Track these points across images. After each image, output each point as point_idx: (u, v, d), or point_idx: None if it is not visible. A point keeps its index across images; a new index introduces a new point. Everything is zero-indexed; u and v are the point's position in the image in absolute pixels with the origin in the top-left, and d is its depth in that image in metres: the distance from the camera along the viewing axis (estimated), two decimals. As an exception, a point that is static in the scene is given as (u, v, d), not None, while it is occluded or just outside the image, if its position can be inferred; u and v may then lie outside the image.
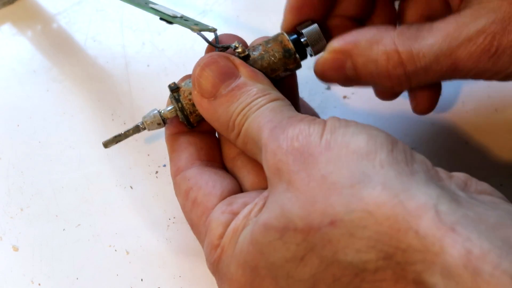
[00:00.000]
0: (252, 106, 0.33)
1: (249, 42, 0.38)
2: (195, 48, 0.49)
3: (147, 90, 0.47)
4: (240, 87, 0.34)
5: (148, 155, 0.45)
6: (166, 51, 0.49)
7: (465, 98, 0.46)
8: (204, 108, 0.34)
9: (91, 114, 0.47)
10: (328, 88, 0.47)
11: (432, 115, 0.46)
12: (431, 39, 0.34)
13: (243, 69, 0.34)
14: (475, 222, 0.26)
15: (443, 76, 0.35)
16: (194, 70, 0.35)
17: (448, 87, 0.47)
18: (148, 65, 0.49)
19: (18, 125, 0.46)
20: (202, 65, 0.35)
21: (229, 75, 0.34)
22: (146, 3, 0.38)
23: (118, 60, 0.49)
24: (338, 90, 0.47)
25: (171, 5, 0.50)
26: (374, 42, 0.35)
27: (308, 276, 0.28)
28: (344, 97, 0.47)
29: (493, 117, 0.46)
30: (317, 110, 0.46)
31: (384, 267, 0.27)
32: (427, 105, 0.40)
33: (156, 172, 0.44)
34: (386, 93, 0.41)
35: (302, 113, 0.39)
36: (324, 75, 0.37)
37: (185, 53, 0.49)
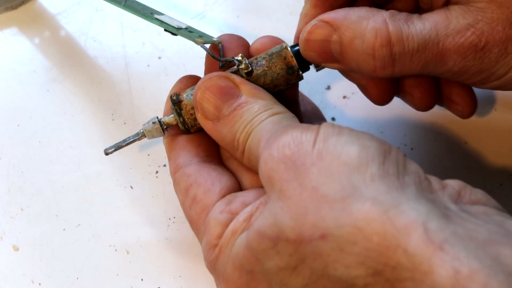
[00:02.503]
0: (253, 122, 0.33)
1: (249, 42, 0.38)
2: (195, 48, 0.49)
3: (147, 90, 0.47)
4: (242, 106, 0.34)
5: (148, 155, 0.45)
6: (166, 51, 0.49)
7: (465, 98, 0.46)
8: (209, 129, 0.35)
9: (91, 114, 0.47)
10: (328, 88, 0.47)
11: (432, 115, 0.46)
12: (421, 25, 0.34)
13: (244, 87, 0.34)
14: (464, 240, 0.26)
15: (427, 66, 0.35)
16: (195, 93, 0.35)
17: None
18: (148, 65, 0.49)
19: (18, 125, 0.46)
20: (202, 88, 0.35)
21: (230, 95, 0.34)
22: (151, 13, 0.38)
23: (118, 60, 0.49)
24: (338, 90, 0.47)
25: (171, 7, 0.50)
26: (365, 18, 0.35)
27: (301, 285, 0.28)
28: (344, 97, 0.47)
29: (492, 117, 0.46)
30: (317, 110, 0.46)
31: (373, 284, 0.27)
32: (426, 101, 0.39)
33: (156, 172, 0.44)
34: (378, 93, 0.39)
35: (302, 108, 0.39)
36: (308, 45, 0.36)
37: (185, 53, 0.49)
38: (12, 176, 0.44)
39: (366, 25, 0.34)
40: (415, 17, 0.35)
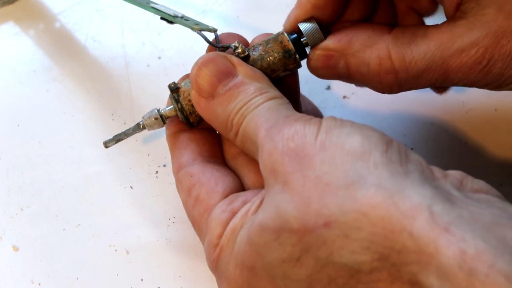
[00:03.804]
0: (249, 105, 0.33)
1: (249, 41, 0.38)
2: (195, 48, 0.49)
3: (147, 90, 0.48)
4: (237, 86, 0.34)
5: (148, 155, 0.45)
6: (166, 51, 0.49)
7: (465, 98, 0.46)
8: (202, 107, 0.34)
9: (91, 114, 0.47)
10: (328, 88, 0.47)
11: (432, 115, 0.46)
12: (425, 47, 0.35)
13: (241, 68, 0.34)
14: (470, 222, 0.26)
15: (433, 83, 0.36)
16: (192, 69, 0.35)
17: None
18: (148, 65, 0.49)
19: (18, 125, 0.46)
20: (199, 65, 0.35)
21: (226, 74, 0.34)
22: (147, 3, 0.38)
23: (118, 60, 0.49)
24: (338, 90, 0.47)
25: (171, 5, 0.50)
26: (368, 45, 0.36)
27: (304, 276, 0.28)
28: (344, 97, 0.47)
29: (492, 117, 0.46)
30: (317, 110, 0.46)
31: (379, 268, 0.27)
32: None
33: (156, 172, 0.44)
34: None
35: (302, 109, 0.40)
36: (317, 71, 0.37)
37: (185, 53, 0.49)
38: (12, 176, 0.44)
39: (370, 54, 0.35)
40: (420, 35, 0.35)
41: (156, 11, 0.37)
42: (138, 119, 0.46)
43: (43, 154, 0.45)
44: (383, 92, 0.37)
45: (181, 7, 0.51)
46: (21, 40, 0.50)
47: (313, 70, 0.37)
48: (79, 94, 0.47)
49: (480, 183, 0.30)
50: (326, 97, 0.47)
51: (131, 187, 0.44)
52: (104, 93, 0.47)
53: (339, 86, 0.47)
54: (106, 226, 0.42)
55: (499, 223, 0.26)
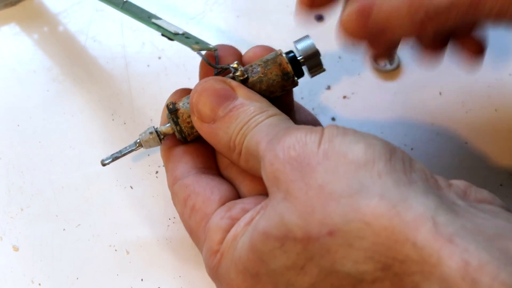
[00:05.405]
0: (250, 124, 0.33)
1: (249, 43, 0.38)
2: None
3: (147, 90, 0.48)
4: (237, 108, 0.34)
5: (148, 155, 0.45)
6: (166, 51, 0.49)
7: (465, 98, 0.46)
8: (205, 132, 0.35)
9: (91, 114, 0.47)
10: (328, 88, 0.47)
11: (432, 115, 0.46)
12: None
13: (240, 90, 0.35)
14: (473, 233, 0.26)
15: (461, 7, 0.32)
16: (191, 96, 0.35)
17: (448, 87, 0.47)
18: (148, 65, 0.49)
19: (18, 125, 0.46)
20: (198, 91, 0.35)
21: (226, 97, 0.34)
22: (149, 17, 0.38)
23: (118, 60, 0.49)
24: (338, 90, 0.47)
25: (171, 6, 0.50)
26: None
27: (308, 284, 0.28)
28: (344, 97, 0.47)
29: (493, 117, 0.46)
30: (317, 110, 0.46)
31: (382, 278, 0.27)
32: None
33: (156, 172, 0.44)
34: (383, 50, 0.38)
35: (302, 119, 0.40)
36: (350, 26, 0.35)
37: (185, 53, 0.49)
38: (12, 176, 0.44)
39: None
40: None
41: (157, 27, 0.37)
42: (138, 119, 0.46)
43: (43, 154, 0.45)
44: (413, 29, 0.33)
45: (181, 8, 0.51)
46: (21, 40, 0.50)
47: (346, 28, 0.35)
48: (79, 94, 0.47)
49: (484, 193, 0.30)
50: (326, 97, 0.47)
51: (131, 187, 0.44)
52: (104, 93, 0.47)
53: (339, 86, 0.47)
54: (106, 226, 0.42)
55: (502, 235, 0.26)
